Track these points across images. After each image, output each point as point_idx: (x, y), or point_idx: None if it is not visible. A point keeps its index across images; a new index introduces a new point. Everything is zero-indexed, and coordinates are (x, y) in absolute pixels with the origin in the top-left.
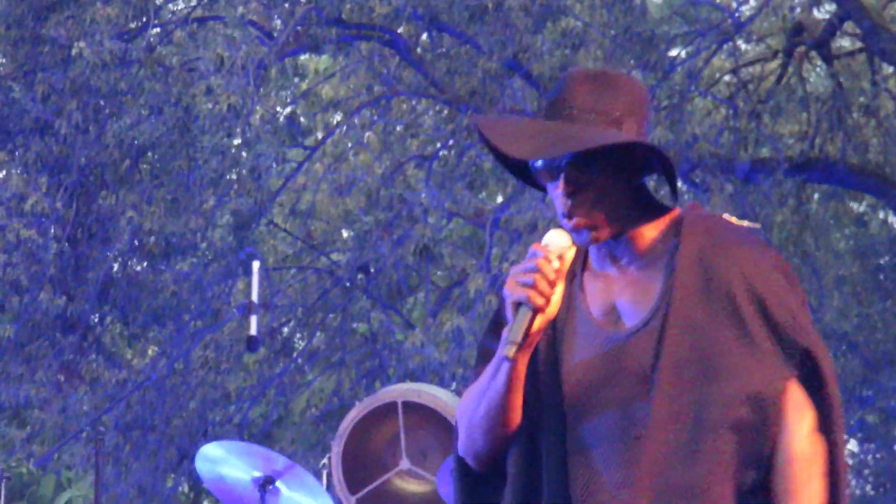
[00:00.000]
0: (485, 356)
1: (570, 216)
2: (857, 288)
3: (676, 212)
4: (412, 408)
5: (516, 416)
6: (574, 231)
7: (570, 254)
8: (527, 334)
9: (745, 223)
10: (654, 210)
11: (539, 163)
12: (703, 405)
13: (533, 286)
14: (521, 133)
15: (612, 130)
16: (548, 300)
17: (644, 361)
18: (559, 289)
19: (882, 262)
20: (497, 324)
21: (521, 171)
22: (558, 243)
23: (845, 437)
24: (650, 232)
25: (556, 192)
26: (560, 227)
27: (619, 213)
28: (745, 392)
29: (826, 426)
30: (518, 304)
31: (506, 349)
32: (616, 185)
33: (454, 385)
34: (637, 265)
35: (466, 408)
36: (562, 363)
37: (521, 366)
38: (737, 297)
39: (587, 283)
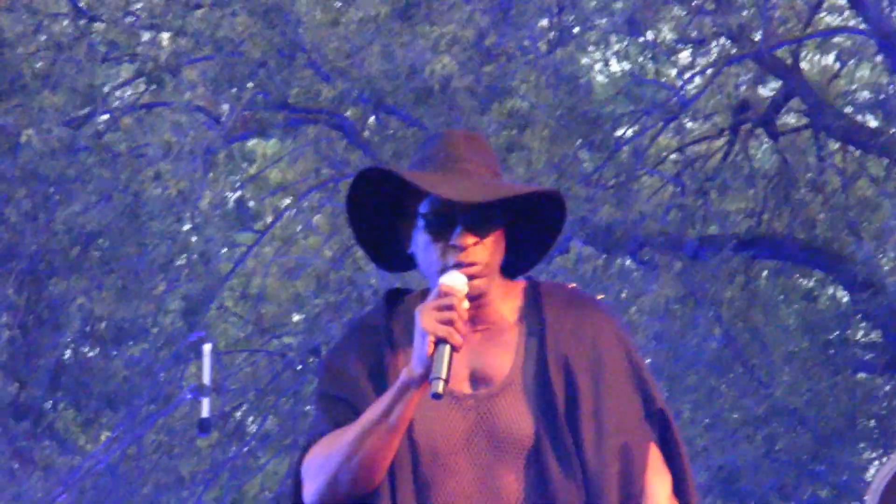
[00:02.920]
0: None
1: (467, 265)
2: (806, 363)
3: (522, 282)
4: None
5: (389, 462)
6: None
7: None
8: (449, 371)
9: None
10: (506, 278)
11: (431, 215)
12: (584, 459)
13: (453, 324)
14: (443, 180)
15: (499, 180)
16: (464, 339)
17: (512, 423)
18: None
19: (831, 337)
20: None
21: (372, 238)
22: (460, 286)
23: None
24: (500, 296)
25: (455, 243)
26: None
27: (494, 272)
28: (618, 445)
29: (681, 490)
30: (436, 343)
31: (434, 385)
32: (499, 242)
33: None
34: (488, 331)
35: (332, 452)
36: (413, 426)
37: (413, 408)
38: (608, 355)
39: None
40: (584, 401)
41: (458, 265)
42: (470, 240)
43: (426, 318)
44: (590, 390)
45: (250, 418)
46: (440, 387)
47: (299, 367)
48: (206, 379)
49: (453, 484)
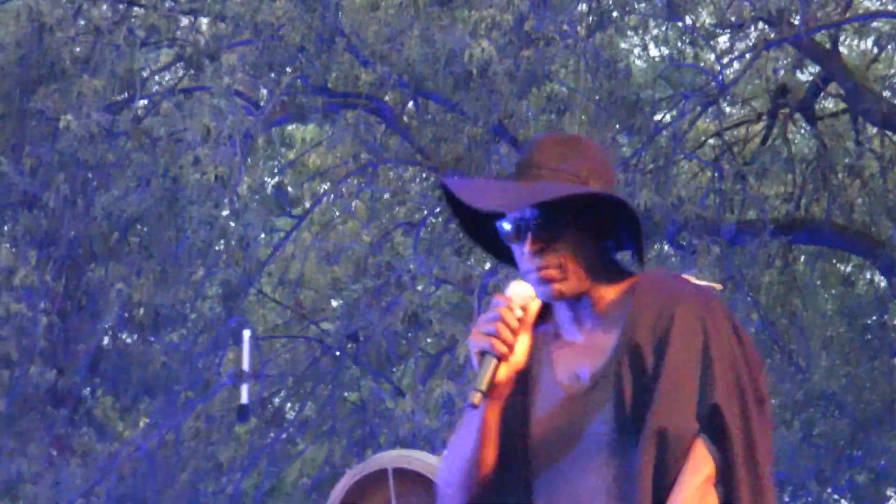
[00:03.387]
0: None
1: (538, 269)
2: (844, 348)
3: (637, 277)
4: (403, 474)
5: (488, 471)
6: (540, 284)
7: (534, 305)
8: (492, 382)
9: (705, 283)
10: (616, 273)
11: (507, 224)
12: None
13: (496, 334)
14: (488, 189)
15: (577, 185)
16: (511, 348)
17: (590, 418)
18: (524, 338)
19: (869, 321)
20: None
21: (488, 240)
22: (521, 293)
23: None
24: (610, 294)
25: (524, 250)
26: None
27: (583, 272)
28: (657, 429)
29: (731, 485)
30: (482, 353)
31: (471, 396)
32: (581, 244)
33: (445, 451)
34: (599, 329)
35: (443, 466)
36: (529, 425)
37: (490, 417)
38: (678, 339)
39: (555, 351)
40: (646, 387)
41: (534, 269)
42: (536, 245)
43: (473, 331)
44: (649, 374)
45: (288, 404)
46: (476, 398)
47: (338, 353)
48: (246, 365)
49: (549, 480)
